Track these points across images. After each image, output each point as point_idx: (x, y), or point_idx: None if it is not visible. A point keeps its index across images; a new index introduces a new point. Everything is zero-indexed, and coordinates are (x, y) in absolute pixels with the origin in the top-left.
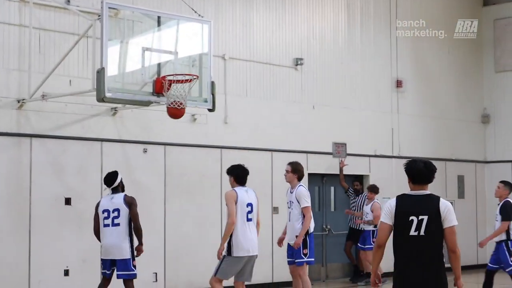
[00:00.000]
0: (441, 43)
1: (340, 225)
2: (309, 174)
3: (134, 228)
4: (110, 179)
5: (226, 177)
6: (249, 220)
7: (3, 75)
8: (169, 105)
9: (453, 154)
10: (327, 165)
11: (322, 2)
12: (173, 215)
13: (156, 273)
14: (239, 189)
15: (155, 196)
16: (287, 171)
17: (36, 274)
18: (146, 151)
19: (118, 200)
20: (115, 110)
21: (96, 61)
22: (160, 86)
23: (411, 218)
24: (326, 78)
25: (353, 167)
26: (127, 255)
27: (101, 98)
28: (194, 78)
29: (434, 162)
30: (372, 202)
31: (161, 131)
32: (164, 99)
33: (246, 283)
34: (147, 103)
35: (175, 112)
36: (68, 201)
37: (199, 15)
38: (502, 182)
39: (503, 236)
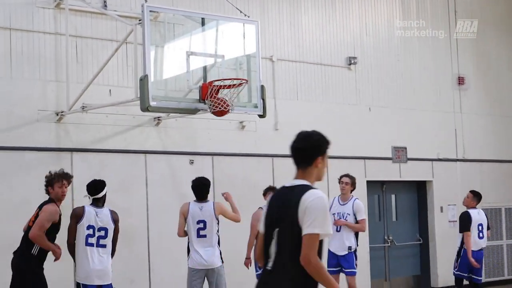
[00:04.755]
0: (503, 35)
1: (403, 236)
2: (368, 182)
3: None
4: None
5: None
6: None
7: (40, 87)
8: (213, 110)
9: None
10: (387, 171)
11: None
12: (223, 227)
13: None
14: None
15: None
16: (346, 183)
17: None
18: (192, 163)
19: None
20: (159, 119)
21: (138, 68)
22: (206, 92)
23: None
24: (382, 78)
25: (414, 173)
26: None
27: (145, 108)
28: (243, 82)
29: (503, 165)
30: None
31: (208, 140)
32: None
33: None
34: (193, 111)
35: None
36: None
37: (245, 15)
38: None
39: None
